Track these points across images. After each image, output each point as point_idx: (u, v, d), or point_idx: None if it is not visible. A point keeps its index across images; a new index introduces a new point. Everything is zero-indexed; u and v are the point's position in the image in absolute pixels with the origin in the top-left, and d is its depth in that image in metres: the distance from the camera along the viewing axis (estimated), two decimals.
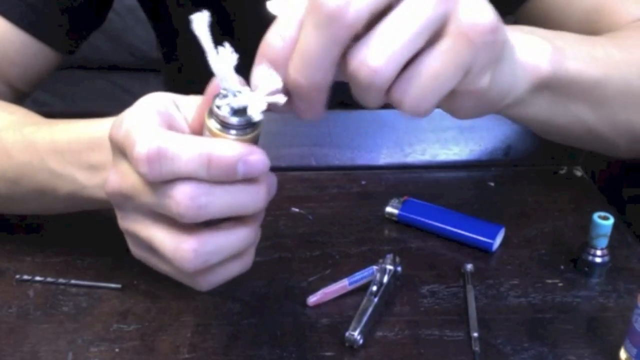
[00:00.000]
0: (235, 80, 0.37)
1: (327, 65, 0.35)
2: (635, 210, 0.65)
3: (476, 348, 0.49)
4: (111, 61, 1.73)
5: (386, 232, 0.62)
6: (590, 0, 0.65)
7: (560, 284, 0.55)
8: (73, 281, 0.55)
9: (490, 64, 0.38)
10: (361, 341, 0.49)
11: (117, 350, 0.49)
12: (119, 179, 0.39)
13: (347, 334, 0.49)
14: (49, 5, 0.64)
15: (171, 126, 0.40)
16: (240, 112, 0.37)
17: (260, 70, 0.36)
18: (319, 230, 0.62)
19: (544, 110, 0.49)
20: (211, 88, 0.38)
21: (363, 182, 0.69)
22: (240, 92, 0.37)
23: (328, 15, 0.34)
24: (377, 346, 0.49)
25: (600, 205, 0.63)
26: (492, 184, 0.69)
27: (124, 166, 0.39)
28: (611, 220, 0.54)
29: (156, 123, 0.38)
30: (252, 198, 0.38)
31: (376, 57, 0.34)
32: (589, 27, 0.65)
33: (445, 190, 0.68)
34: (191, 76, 0.78)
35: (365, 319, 0.49)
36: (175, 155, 0.36)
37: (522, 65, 0.44)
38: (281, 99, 0.36)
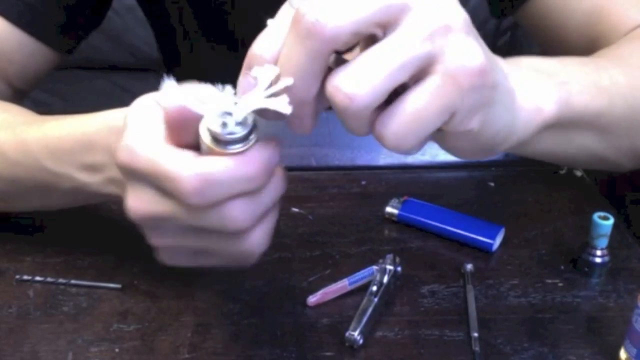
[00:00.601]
0: (229, 100, 0.36)
1: (307, 80, 0.35)
2: (636, 211, 0.66)
3: (476, 348, 0.49)
4: (111, 61, 1.73)
5: (386, 232, 0.62)
6: (589, 3, 0.65)
7: (560, 284, 0.56)
8: (73, 281, 0.55)
9: (479, 107, 0.37)
10: (361, 341, 0.49)
11: (117, 350, 0.49)
12: (147, 205, 0.39)
13: (347, 334, 0.49)
14: (47, 5, 0.64)
15: None
16: (241, 124, 0.36)
17: (255, 71, 0.36)
18: (319, 230, 0.62)
19: (548, 146, 0.48)
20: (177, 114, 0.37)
21: (363, 182, 0.69)
22: (236, 103, 0.36)
23: (307, 28, 0.34)
24: (377, 346, 0.49)
25: (600, 205, 0.63)
26: (492, 184, 0.69)
27: (148, 192, 0.39)
28: (611, 220, 0.54)
29: (167, 141, 0.38)
30: (280, 185, 0.40)
31: (351, 83, 0.34)
32: (588, 29, 0.65)
33: (445, 190, 0.68)
34: (191, 76, 0.79)
35: (365, 319, 0.49)
36: (221, 179, 0.36)
37: (525, 110, 0.42)
38: (285, 105, 0.35)
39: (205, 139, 0.37)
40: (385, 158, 0.72)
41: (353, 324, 0.49)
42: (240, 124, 0.36)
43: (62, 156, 0.50)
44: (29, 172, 0.52)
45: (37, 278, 0.55)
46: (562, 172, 0.71)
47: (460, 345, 0.49)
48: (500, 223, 0.61)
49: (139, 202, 0.39)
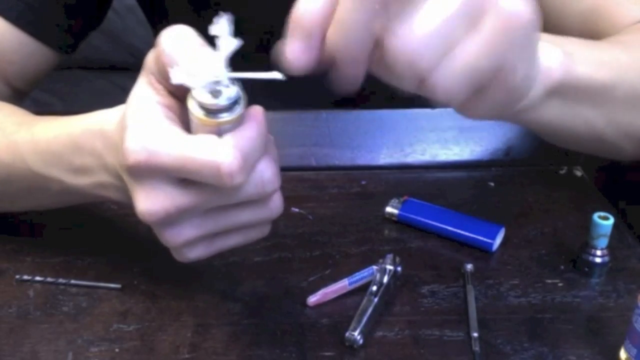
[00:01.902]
0: (215, 69, 0.37)
1: (364, 35, 0.34)
2: (636, 211, 0.65)
3: (476, 348, 0.49)
4: (111, 61, 1.73)
5: (386, 232, 0.62)
6: (588, 2, 0.65)
7: (560, 284, 0.56)
8: (73, 281, 0.55)
9: (526, 58, 0.37)
10: (361, 341, 0.49)
11: (117, 350, 0.49)
12: (164, 202, 0.39)
13: (347, 334, 0.49)
14: (47, 5, 0.64)
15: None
16: (228, 92, 0.37)
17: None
18: (319, 230, 0.62)
19: (554, 115, 0.48)
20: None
21: (363, 182, 0.69)
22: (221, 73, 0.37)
23: None
24: (377, 346, 0.49)
25: (600, 205, 0.63)
26: (492, 184, 0.69)
27: (166, 189, 0.39)
28: (611, 220, 0.54)
29: (179, 131, 0.39)
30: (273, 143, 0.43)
31: (418, 39, 0.34)
32: (587, 28, 0.65)
33: (445, 190, 0.68)
34: None
35: (365, 319, 0.49)
36: (252, 150, 0.38)
37: (537, 69, 0.43)
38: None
39: (195, 110, 0.37)
40: (385, 158, 0.72)
41: (353, 324, 0.49)
42: (228, 91, 0.37)
43: (50, 159, 0.49)
44: (19, 174, 0.52)
45: (37, 278, 0.55)
46: (562, 172, 0.71)
47: (460, 345, 0.49)
48: (500, 223, 0.61)
49: (156, 202, 0.39)
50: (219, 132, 0.38)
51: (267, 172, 0.40)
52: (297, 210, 0.64)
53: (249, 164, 0.38)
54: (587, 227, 0.55)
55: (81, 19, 0.68)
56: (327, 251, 0.59)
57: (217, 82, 0.37)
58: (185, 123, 0.40)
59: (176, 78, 0.36)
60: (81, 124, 0.48)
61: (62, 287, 0.54)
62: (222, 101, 0.37)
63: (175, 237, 0.41)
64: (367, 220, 0.63)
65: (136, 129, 0.39)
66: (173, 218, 0.40)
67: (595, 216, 0.54)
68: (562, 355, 0.48)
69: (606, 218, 0.54)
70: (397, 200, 0.63)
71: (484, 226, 0.60)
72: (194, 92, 0.37)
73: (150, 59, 0.42)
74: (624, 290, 0.55)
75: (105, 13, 0.73)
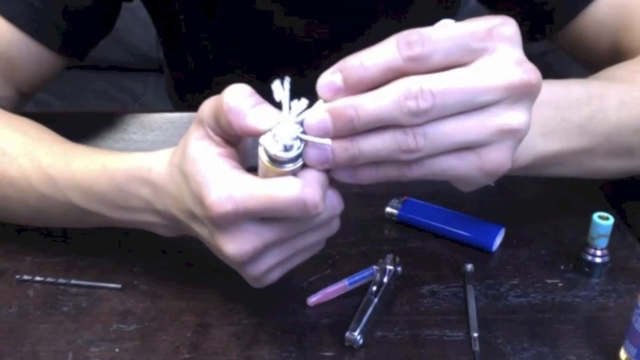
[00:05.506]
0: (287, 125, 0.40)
1: None
2: (636, 211, 0.65)
3: (476, 348, 0.49)
4: (111, 61, 1.73)
5: (386, 232, 0.62)
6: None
7: (560, 284, 0.56)
8: (73, 281, 0.55)
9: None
10: (361, 341, 0.49)
11: (117, 350, 0.49)
12: (253, 241, 0.42)
13: (347, 334, 0.49)
14: (55, 12, 0.64)
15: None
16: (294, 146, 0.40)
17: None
18: None
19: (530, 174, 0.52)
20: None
21: None
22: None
23: None
24: (377, 346, 0.49)
25: (600, 205, 0.63)
26: (492, 184, 0.69)
27: (251, 229, 0.42)
28: (611, 220, 0.54)
29: (253, 177, 0.41)
30: None
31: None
32: (616, 23, 0.66)
33: (445, 190, 0.68)
34: (196, 77, 0.78)
35: (365, 319, 0.49)
36: (326, 182, 0.42)
37: None
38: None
39: (269, 163, 0.40)
40: None
41: (353, 324, 0.49)
42: (297, 143, 0.40)
43: (93, 197, 0.51)
44: (58, 206, 0.53)
45: (37, 278, 0.55)
46: None
47: (460, 345, 0.49)
48: (500, 223, 0.61)
49: (244, 243, 0.42)
50: (290, 174, 0.41)
51: (334, 198, 0.43)
52: None
53: (325, 193, 0.41)
54: (587, 227, 0.55)
55: (89, 26, 0.68)
56: (327, 251, 0.59)
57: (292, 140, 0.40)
58: (243, 165, 0.43)
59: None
60: (122, 167, 0.49)
61: (62, 287, 0.54)
62: (294, 153, 0.40)
63: (257, 269, 0.44)
64: (367, 220, 0.63)
65: (214, 181, 0.41)
66: (259, 254, 0.42)
67: (595, 216, 0.54)
68: (562, 355, 0.48)
69: (606, 218, 0.54)
70: (397, 200, 0.63)
71: (484, 226, 0.60)
72: (268, 149, 0.40)
73: (205, 112, 0.43)
74: (624, 290, 0.55)
75: (114, 21, 0.72)
